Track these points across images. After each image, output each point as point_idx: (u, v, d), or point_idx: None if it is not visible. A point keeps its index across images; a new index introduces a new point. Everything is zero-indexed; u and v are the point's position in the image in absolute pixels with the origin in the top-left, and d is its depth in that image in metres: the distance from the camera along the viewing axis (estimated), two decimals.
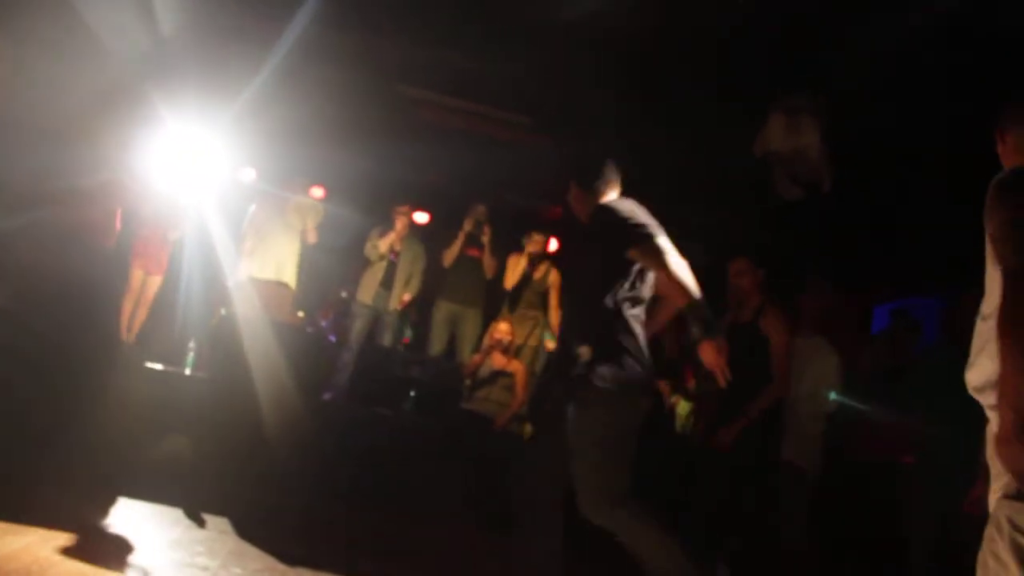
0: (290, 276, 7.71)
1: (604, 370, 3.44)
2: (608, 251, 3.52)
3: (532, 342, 8.04)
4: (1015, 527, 2.11)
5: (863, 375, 5.85)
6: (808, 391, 5.42)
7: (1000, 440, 2.16)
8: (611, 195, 3.82)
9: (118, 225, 6.27)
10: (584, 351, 3.47)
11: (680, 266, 3.35)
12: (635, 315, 3.57)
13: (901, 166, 5.98)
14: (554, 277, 8.19)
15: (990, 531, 2.17)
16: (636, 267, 3.53)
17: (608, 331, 3.50)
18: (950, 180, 5.67)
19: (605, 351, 3.47)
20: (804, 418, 5.41)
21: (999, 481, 2.22)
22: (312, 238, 7.80)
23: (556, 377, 3.69)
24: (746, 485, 5.14)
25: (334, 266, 8.75)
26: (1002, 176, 2.33)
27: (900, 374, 5.55)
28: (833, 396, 5.16)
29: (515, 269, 8.15)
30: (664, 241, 3.39)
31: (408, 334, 8.80)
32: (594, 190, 3.79)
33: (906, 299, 7.51)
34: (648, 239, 3.40)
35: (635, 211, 3.51)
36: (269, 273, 7.62)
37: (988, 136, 2.65)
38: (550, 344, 8.01)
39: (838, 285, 7.18)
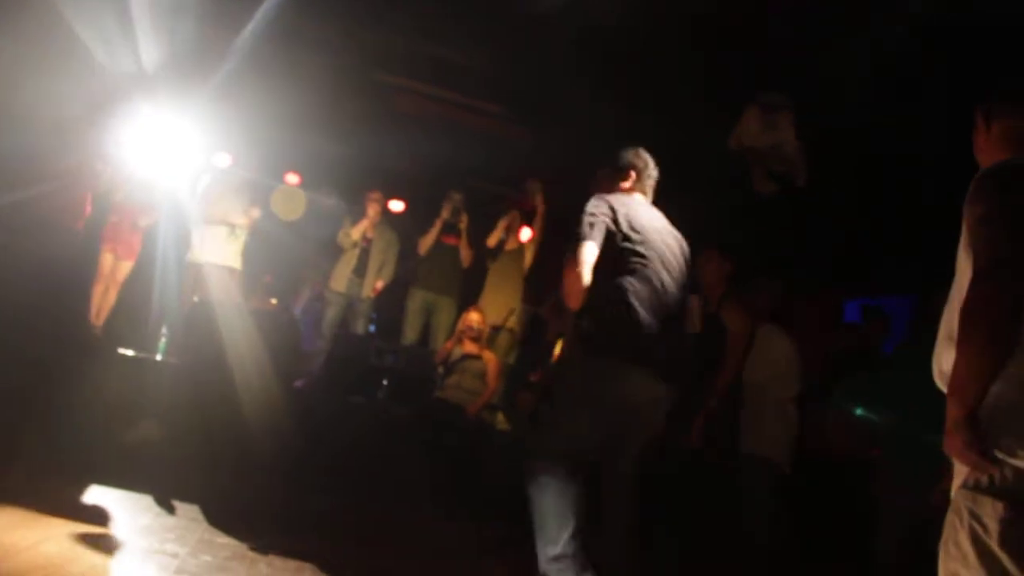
0: (237, 260, 7.72)
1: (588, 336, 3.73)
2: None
3: (509, 325, 8.03)
4: (974, 516, 2.16)
5: (831, 366, 5.87)
6: (765, 378, 5.42)
7: (947, 432, 2.24)
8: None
9: (88, 209, 6.20)
10: (584, 324, 3.75)
11: (565, 270, 3.70)
12: (633, 290, 3.77)
13: (874, 163, 6.02)
14: (529, 247, 8.20)
15: (951, 519, 2.23)
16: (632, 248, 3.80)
17: (600, 304, 3.75)
18: (925, 178, 5.73)
19: (597, 324, 3.74)
20: (765, 407, 5.43)
21: (961, 471, 2.26)
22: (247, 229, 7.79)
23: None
24: (710, 478, 5.18)
25: (308, 254, 8.70)
26: (987, 169, 2.35)
27: (869, 367, 5.59)
28: (860, 412, 5.10)
29: (497, 230, 8.18)
30: (581, 247, 3.68)
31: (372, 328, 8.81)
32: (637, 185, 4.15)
33: (878, 297, 7.57)
34: (574, 239, 3.72)
35: (593, 210, 3.78)
36: (219, 257, 7.62)
37: (965, 133, 2.64)
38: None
39: (807, 281, 7.22)
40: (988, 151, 2.53)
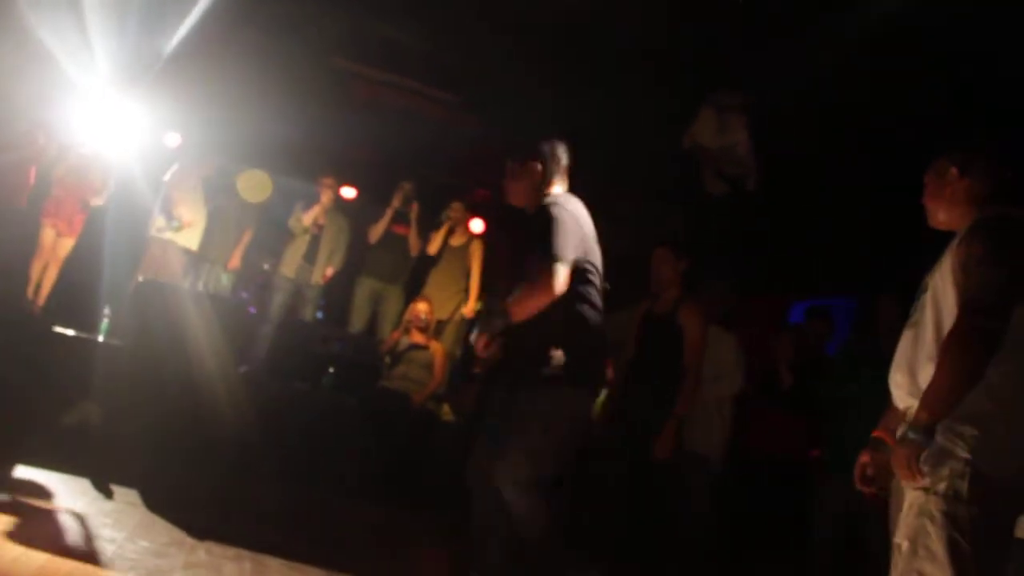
0: (194, 241, 7.73)
1: (565, 368, 3.53)
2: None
3: (457, 318, 8.03)
4: (950, 518, 2.41)
5: (774, 368, 5.94)
6: (710, 376, 5.46)
7: (902, 438, 2.54)
8: (559, 185, 3.85)
9: (31, 183, 6.09)
10: (557, 355, 3.53)
11: (535, 292, 3.44)
12: (588, 309, 3.64)
13: (822, 167, 6.11)
14: (476, 247, 8.21)
15: (920, 522, 2.46)
16: (585, 263, 3.61)
17: (567, 329, 3.57)
18: (871, 183, 5.83)
19: (568, 351, 3.54)
20: (709, 406, 5.48)
21: (932, 477, 2.47)
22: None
23: (506, 366, 3.73)
24: (652, 475, 5.21)
25: (258, 237, 8.63)
26: (987, 218, 2.61)
27: (812, 369, 5.66)
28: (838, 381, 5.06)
29: (437, 237, 8.17)
30: (560, 267, 3.44)
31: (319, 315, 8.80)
32: (548, 175, 3.82)
33: (823, 298, 7.67)
34: (549, 260, 3.44)
35: (567, 224, 3.54)
36: (180, 238, 7.63)
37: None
38: (469, 309, 8.06)
39: (753, 282, 7.29)
40: (952, 201, 2.77)
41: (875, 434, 2.93)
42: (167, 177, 7.67)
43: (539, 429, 3.51)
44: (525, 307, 3.46)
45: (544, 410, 3.54)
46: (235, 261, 8.36)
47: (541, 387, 3.55)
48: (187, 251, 7.78)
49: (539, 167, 3.80)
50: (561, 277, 3.44)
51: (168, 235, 7.62)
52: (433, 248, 8.20)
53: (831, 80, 5.10)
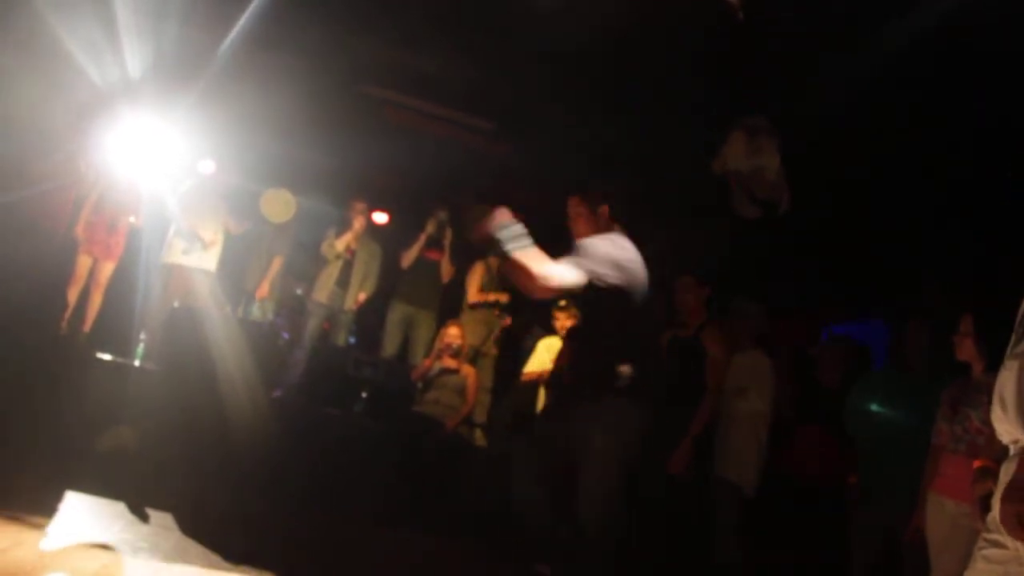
0: (212, 263, 7.74)
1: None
2: None
3: (487, 349, 8.01)
4: None
5: (809, 393, 5.88)
6: (733, 389, 5.42)
7: (1012, 486, 2.22)
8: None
9: (70, 209, 6.17)
10: (625, 369, 3.72)
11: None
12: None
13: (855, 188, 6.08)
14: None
15: None
16: None
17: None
18: (905, 207, 5.79)
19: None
20: (745, 432, 5.43)
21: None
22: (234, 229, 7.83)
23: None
24: (680, 499, 5.18)
25: (292, 262, 8.68)
26: None
27: (843, 394, 5.59)
28: (876, 407, 5.02)
29: (474, 279, 8.16)
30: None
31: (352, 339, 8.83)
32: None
33: (857, 322, 7.61)
34: None
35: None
36: (194, 260, 7.63)
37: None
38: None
39: (784, 306, 7.25)
40: None
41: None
42: (178, 197, 7.67)
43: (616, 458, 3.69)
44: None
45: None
46: (263, 290, 8.39)
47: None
48: (205, 272, 7.74)
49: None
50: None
51: (178, 258, 7.63)
52: (472, 296, 8.23)
53: (866, 103, 5.08)
